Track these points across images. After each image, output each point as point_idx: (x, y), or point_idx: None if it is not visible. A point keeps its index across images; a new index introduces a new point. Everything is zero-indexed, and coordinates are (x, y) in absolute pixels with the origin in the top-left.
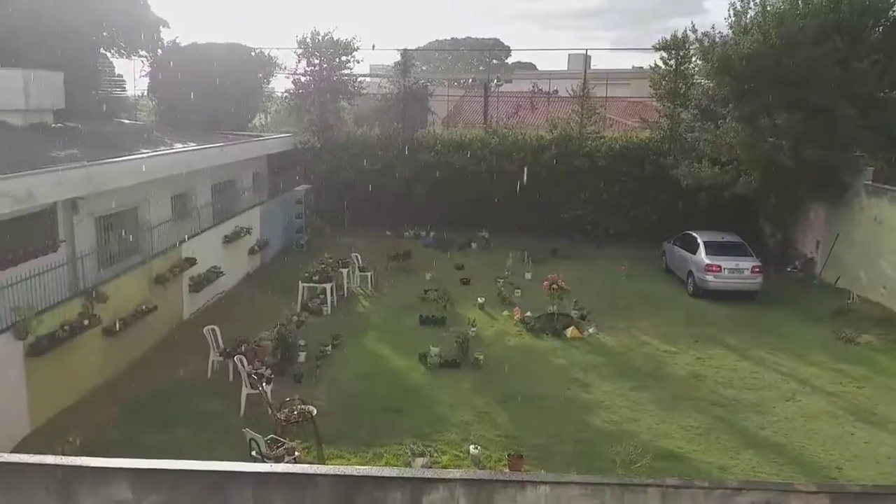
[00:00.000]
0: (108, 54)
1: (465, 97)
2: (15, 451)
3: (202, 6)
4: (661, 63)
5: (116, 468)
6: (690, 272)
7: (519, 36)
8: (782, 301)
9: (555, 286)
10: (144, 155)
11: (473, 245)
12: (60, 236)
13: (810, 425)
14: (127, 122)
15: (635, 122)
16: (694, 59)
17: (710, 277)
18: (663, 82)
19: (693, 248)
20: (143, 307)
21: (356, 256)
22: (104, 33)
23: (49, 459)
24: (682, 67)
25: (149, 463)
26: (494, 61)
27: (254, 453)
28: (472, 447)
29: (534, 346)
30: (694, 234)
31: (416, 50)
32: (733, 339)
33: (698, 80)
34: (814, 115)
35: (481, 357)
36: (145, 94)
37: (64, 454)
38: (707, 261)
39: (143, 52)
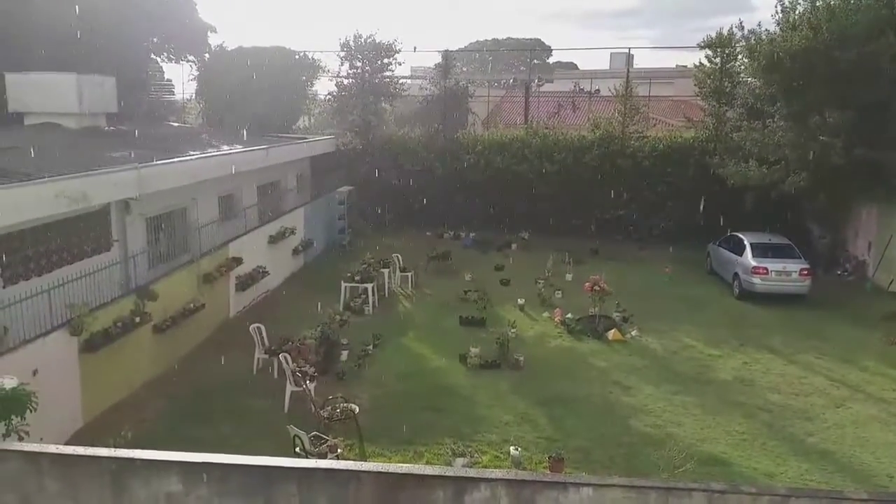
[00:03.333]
0: (158, 59)
1: (506, 98)
2: (69, 444)
3: (249, 11)
4: (705, 61)
5: (167, 461)
6: (736, 274)
7: (557, 36)
8: (831, 305)
9: (596, 288)
10: (193, 157)
11: (513, 246)
12: (113, 236)
13: (861, 432)
14: (175, 124)
15: (679, 122)
16: (740, 56)
17: (756, 280)
18: (708, 81)
19: (739, 249)
20: (192, 305)
21: (397, 257)
22: (154, 39)
23: (103, 452)
24: (727, 65)
25: (198, 457)
26: (535, 61)
27: (298, 449)
28: (512, 448)
29: (574, 349)
30: (740, 236)
31: (456, 51)
32: (780, 343)
33: (744, 79)
34: (866, 113)
35: (521, 358)
36: (193, 97)
37: (116, 447)
38: (753, 263)
39: (190, 57)
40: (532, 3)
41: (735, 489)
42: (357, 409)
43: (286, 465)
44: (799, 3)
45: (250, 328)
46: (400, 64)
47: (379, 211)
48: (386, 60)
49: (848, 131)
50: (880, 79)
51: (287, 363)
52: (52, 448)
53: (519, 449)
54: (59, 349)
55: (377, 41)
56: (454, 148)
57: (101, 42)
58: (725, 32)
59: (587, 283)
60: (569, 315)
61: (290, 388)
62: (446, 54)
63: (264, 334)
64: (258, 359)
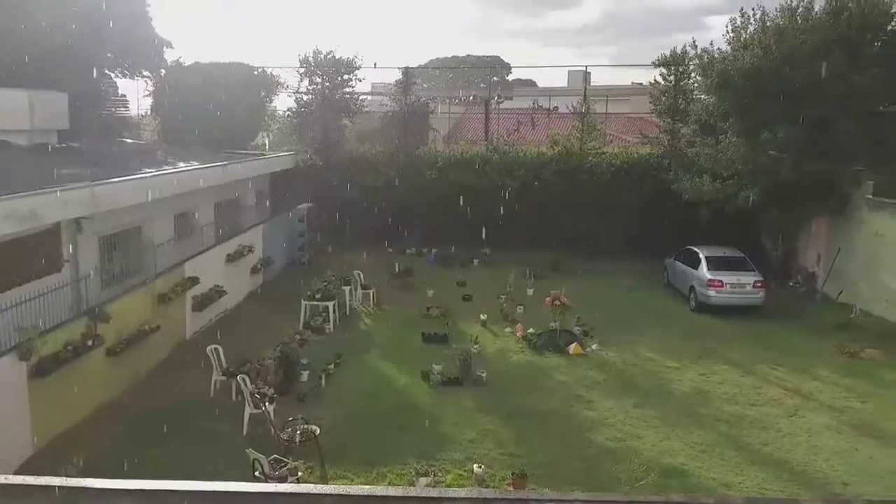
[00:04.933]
0: (112, 74)
1: (467, 114)
2: (18, 472)
3: (207, 26)
4: (660, 79)
5: (121, 489)
6: (692, 287)
7: (519, 53)
8: (785, 316)
9: (557, 302)
10: (148, 174)
11: (475, 261)
12: (64, 256)
13: (814, 441)
14: (130, 141)
15: (635, 138)
16: (694, 74)
17: (712, 293)
18: (663, 98)
19: (695, 263)
20: (146, 327)
21: (358, 274)
22: (108, 54)
23: (52, 481)
24: (681, 83)
25: (152, 484)
26: (495, 78)
27: (257, 473)
28: (475, 466)
29: (536, 363)
30: (695, 250)
31: (417, 68)
32: (736, 354)
33: (698, 96)
34: (815, 129)
35: (484, 374)
36: (148, 113)
37: (67, 475)
38: (709, 276)
39: (146, 72)
40: (495, 21)
41: (693, 500)
42: (318, 431)
43: (245, 490)
44: (750, 23)
45: (207, 349)
46: (360, 80)
47: (340, 228)
48: (346, 76)
49: (797, 147)
50: (827, 96)
51: (245, 385)
52: (0, 478)
53: (482, 466)
54: (6, 375)
55: (337, 57)
56: (415, 164)
57: (52, 57)
58: (679, 51)
59: (548, 298)
60: (530, 330)
61: (248, 410)
62: (407, 71)
63: (222, 355)
64: (216, 381)
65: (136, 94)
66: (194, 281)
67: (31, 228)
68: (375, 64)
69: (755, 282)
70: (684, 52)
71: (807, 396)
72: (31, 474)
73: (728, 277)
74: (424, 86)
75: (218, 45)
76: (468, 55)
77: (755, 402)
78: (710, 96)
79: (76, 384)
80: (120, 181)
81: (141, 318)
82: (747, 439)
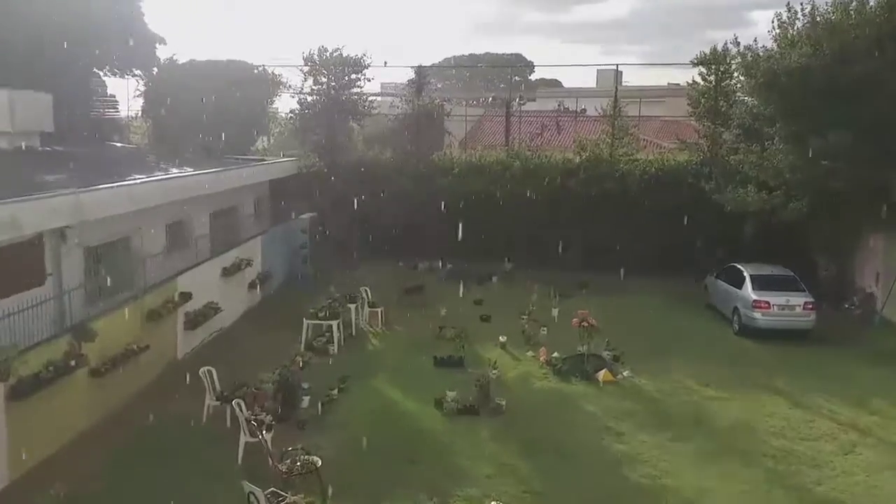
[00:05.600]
0: (101, 73)
1: (485, 117)
2: None
3: (204, 21)
4: (699, 79)
5: None
6: (736, 309)
7: (540, 51)
8: (839, 341)
9: (585, 324)
10: (138, 181)
11: (494, 278)
12: (47, 269)
13: (873, 481)
14: (119, 145)
15: (672, 143)
16: (736, 74)
17: (757, 315)
18: (702, 100)
19: (739, 282)
20: (135, 346)
21: (365, 290)
22: (96, 51)
23: None
24: (722, 83)
25: None
26: (516, 78)
27: None
28: None
29: (562, 391)
30: (740, 267)
31: (431, 67)
32: (784, 383)
33: (741, 98)
34: (870, 134)
35: (503, 402)
36: (139, 114)
37: None
38: (754, 296)
39: (137, 71)
40: (513, 15)
41: None
42: (319, 462)
43: None
44: (797, 19)
45: (200, 371)
46: (369, 80)
47: (346, 240)
48: (354, 76)
49: (851, 154)
50: (884, 96)
51: (241, 410)
52: None
53: None
54: None
55: (344, 55)
56: (429, 171)
57: (36, 55)
58: (720, 48)
59: (574, 319)
60: (555, 354)
61: (244, 438)
62: (419, 70)
63: (216, 378)
64: (209, 406)
65: (127, 95)
66: (187, 297)
67: (10, 238)
68: (386, 63)
69: (805, 303)
70: (725, 49)
71: (864, 431)
72: None
73: (775, 298)
74: (439, 86)
75: (215, 42)
76: (486, 53)
77: (806, 436)
78: (754, 98)
79: (58, 408)
80: (107, 188)
81: (128, 337)
82: (797, 478)
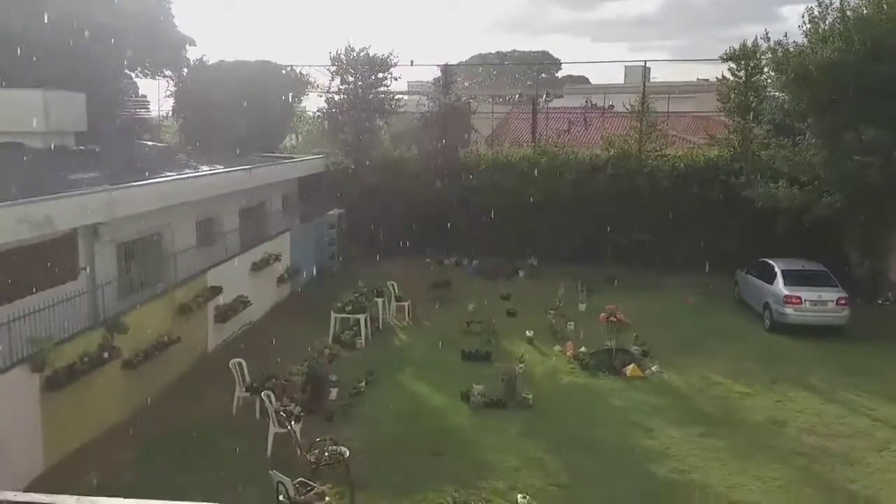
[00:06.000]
0: (132, 74)
1: (512, 114)
2: (28, 489)
3: (232, 23)
4: (729, 74)
5: None
6: (767, 304)
7: (567, 48)
8: (873, 337)
9: (613, 318)
10: (168, 178)
11: (521, 273)
12: (80, 264)
13: None
14: (150, 144)
15: (702, 139)
16: (767, 69)
17: (789, 310)
18: (732, 95)
19: (770, 277)
20: (166, 339)
21: (392, 285)
22: (128, 53)
23: (67, 500)
24: (753, 79)
25: None
26: (543, 75)
27: (281, 497)
28: (520, 497)
29: (589, 386)
30: (770, 262)
31: (457, 65)
32: (817, 379)
33: (772, 93)
34: None
35: (530, 397)
36: (170, 114)
37: (81, 495)
38: (786, 291)
39: (167, 72)
40: (541, 14)
41: None
42: (347, 453)
43: None
44: (829, 13)
45: (230, 364)
46: (396, 79)
47: (373, 236)
48: (381, 75)
49: (886, 149)
50: None
51: (270, 402)
52: (10, 495)
53: (527, 497)
54: (18, 387)
55: (371, 55)
56: (455, 168)
57: (71, 56)
58: (750, 43)
59: (602, 314)
60: (582, 349)
61: (273, 429)
62: (446, 68)
63: (245, 370)
64: (238, 397)
65: (158, 95)
66: (217, 291)
67: (45, 235)
68: (412, 62)
69: (838, 298)
70: (755, 45)
71: None
72: (42, 492)
73: (807, 293)
74: (465, 84)
75: (244, 43)
76: (513, 51)
77: (839, 433)
78: (785, 93)
79: (91, 398)
80: (139, 185)
81: (160, 330)
82: (831, 475)
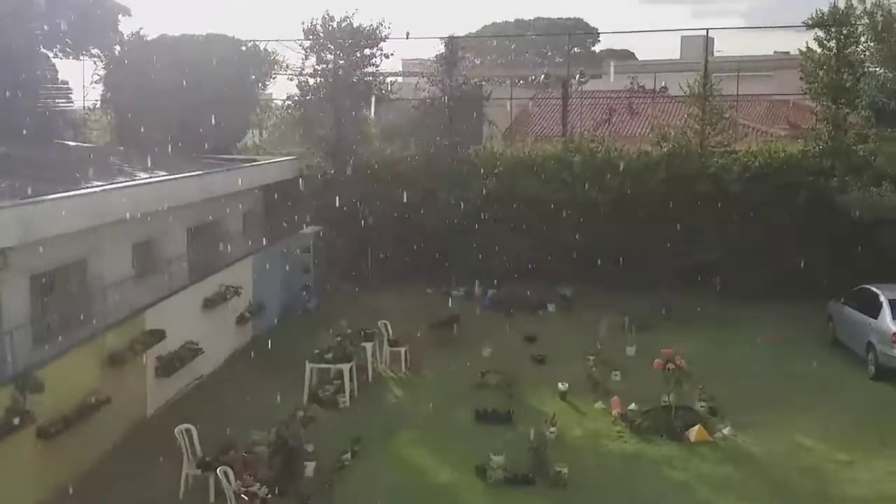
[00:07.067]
0: (49, 54)
1: (536, 100)
2: None
3: None
4: (815, 46)
5: None
6: (870, 344)
7: (607, 14)
8: None
9: (671, 365)
10: (97, 189)
11: (550, 307)
12: None
13: None
14: (73, 143)
15: (782, 130)
16: (864, 39)
17: None
18: (820, 73)
19: (873, 309)
20: (93, 399)
21: (385, 325)
22: (44, 26)
23: None
24: (846, 51)
25: None
26: (576, 49)
27: None
28: None
29: (642, 455)
30: (874, 290)
31: (465, 37)
32: None
33: (871, 69)
34: None
35: (565, 470)
36: (98, 105)
37: None
38: (894, 328)
39: (95, 50)
40: None
41: None
42: None
43: None
44: None
45: (176, 431)
46: (387, 56)
47: (360, 260)
48: (368, 52)
49: None
50: None
51: (228, 481)
52: None
53: None
54: None
55: (355, 25)
56: (464, 170)
57: None
58: (843, 5)
59: (658, 360)
60: (632, 406)
61: None
62: (451, 41)
63: (196, 440)
64: (187, 475)
65: (83, 81)
66: (159, 335)
67: None
68: (408, 34)
69: None
70: (850, 7)
71: None
72: None
73: None
74: (477, 62)
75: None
76: (537, 18)
77: None
78: (888, 70)
79: None
80: (59, 198)
81: (86, 388)
82: None
